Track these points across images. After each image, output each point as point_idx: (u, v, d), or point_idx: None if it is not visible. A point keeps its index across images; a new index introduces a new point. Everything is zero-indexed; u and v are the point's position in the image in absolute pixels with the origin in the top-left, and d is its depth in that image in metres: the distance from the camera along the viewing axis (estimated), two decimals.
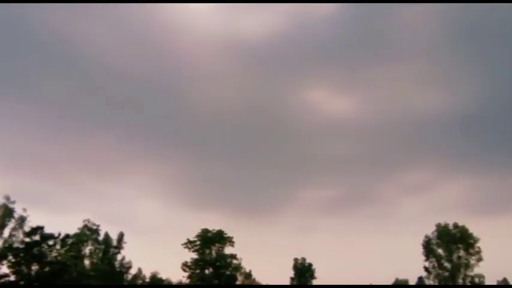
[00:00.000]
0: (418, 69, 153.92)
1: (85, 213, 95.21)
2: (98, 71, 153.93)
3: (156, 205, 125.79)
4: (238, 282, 69.89)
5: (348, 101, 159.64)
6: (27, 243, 52.62)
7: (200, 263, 65.79)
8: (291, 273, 79.20)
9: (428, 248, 67.98)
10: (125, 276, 68.75)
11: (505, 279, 78.79)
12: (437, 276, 66.52)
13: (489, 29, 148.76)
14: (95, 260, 65.16)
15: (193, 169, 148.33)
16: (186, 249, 66.40)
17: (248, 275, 76.47)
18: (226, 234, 67.12)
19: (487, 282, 67.74)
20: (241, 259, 67.38)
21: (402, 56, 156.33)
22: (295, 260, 79.63)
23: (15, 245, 53.29)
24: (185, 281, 66.61)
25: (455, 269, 65.50)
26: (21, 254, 51.60)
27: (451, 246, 66.46)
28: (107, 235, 67.37)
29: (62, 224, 66.71)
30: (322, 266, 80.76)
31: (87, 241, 65.56)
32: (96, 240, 66.44)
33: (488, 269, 66.86)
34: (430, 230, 69.11)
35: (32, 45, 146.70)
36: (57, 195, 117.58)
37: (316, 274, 78.64)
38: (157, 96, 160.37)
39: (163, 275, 78.48)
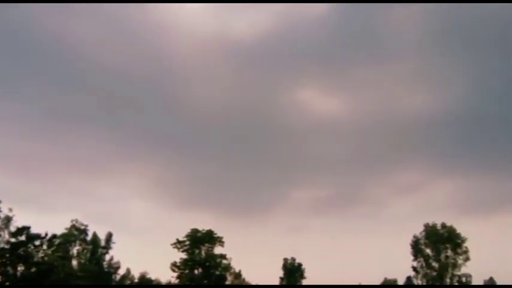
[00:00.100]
0: (408, 69, 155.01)
1: (73, 213, 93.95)
2: (90, 70, 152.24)
3: (145, 205, 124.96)
4: (227, 283, 69.78)
5: (338, 100, 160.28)
6: (12, 244, 51.77)
7: (189, 263, 65.46)
8: (281, 273, 79.44)
9: (416, 248, 68.59)
10: (113, 277, 68.28)
11: (491, 279, 79.86)
12: (425, 275, 67.17)
13: (480, 30, 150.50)
14: (82, 261, 64.65)
15: (183, 169, 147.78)
16: (176, 249, 66.14)
17: (238, 275, 76.43)
18: (216, 234, 66.87)
19: (474, 281, 68.60)
20: (231, 259, 67.33)
21: (393, 56, 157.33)
22: (285, 260, 79.77)
23: (1, 245, 52.37)
24: (174, 281, 66.23)
25: (443, 268, 66.17)
26: (7, 255, 50.81)
27: (439, 246, 67.12)
28: (95, 235, 66.87)
29: (49, 224, 65.89)
30: (312, 266, 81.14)
31: (75, 241, 65.07)
32: (84, 241, 65.94)
33: (475, 268, 67.77)
34: (418, 230, 69.88)
35: (23, 44, 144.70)
36: (45, 195, 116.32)
37: (306, 274, 79.07)
38: (149, 96, 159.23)
39: (152, 276, 78.23)
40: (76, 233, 65.16)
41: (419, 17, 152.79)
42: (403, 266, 70.55)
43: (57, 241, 56.85)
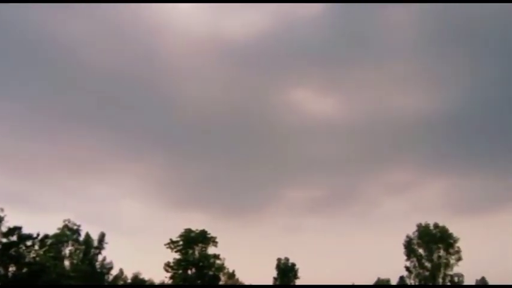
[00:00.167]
0: (402, 69, 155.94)
1: (65, 213, 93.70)
2: (81, 69, 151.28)
3: (138, 205, 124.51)
4: (221, 283, 69.67)
5: (331, 101, 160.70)
6: (4, 244, 51.26)
7: (183, 263, 65.23)
8: (275, 273, 79.48)
9: (409, 248, 68.92)
10: (106, 277, 67.83)
11: (483, 278, 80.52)
12: (417, 275, 67.52)
13: (474, 30, 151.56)
14: (75, 261, 64.19)
15: (177, 169, 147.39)
16: (169, 250, 65.87)
17: (231, 275, 76.37)
18: (209, 234, 66.73)
19: (466, 281, 69.02)
20: (224, 259, 67.22)
21: (387, 56, 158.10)
22: (279, 260, 79.83)
23: None
24: (167, 281, 65.97)
25: (436, 268, 66.58)
26: None
27: (431, 246, 67.52)
28: (87, 235, 66.40)
29: (41, 224, 65.37)
30: (305, 266, 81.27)
31: (67, 241, 64.56)
32: (76, 241, 65.47)
33: (467, 268, 68.26)
34: (411, 229, 70.24)
35: (14, 43, 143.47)
36: (37, 195, 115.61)
37: (300, 274, 79.18)
38: (141, 96, 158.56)
39: (145, 276, 77.90)
40: (68, 233, 64.68)
41: (414, 17, 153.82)
42: (396, 266, 71.00)
43: (49, 241, 56.51)
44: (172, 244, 65.76)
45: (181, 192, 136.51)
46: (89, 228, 67.37)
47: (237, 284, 77.14)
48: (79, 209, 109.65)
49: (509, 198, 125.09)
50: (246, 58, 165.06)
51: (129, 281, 74.75)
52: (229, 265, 71.00)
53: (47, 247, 55.22)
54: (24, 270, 51.14)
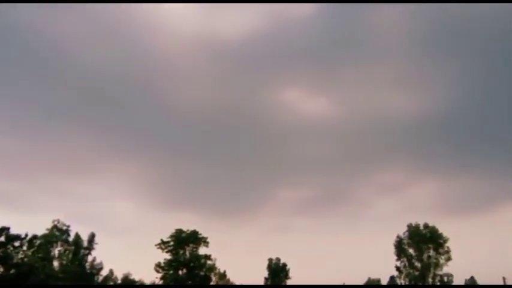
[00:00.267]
0: (394, 70, 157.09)
1: (55, 213, 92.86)
2: (72, 68, 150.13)
3: (129, 205, 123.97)
4: (212, 283, 69.39)
5: (324, 101, 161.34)
6: None
7: (174, 264, 64.93)
8: (266, 274, 79.43)
9: (400, 248, 69.28)
10: (95, 278, 67.16)
11: (472, 278, 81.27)
12: (408, 275, 67.89)
13: (463, 31, 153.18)
14: (64, 262, 63.41)
15: (168, 169, 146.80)
16: (160, 250, 65.53)
17: (222, 276, 76.15)
18: (200, 234, 66.57)
19: (456, 281, 69.69)
20: (215, 259, 67.04)
21: (379, 57, 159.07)
22: (270, 260, 79.85)
23: None
24: (158, 282, 65.55)
25: (426, 268, 67.01)
26: None
27: (421, 246, 67.94)
28: (77, 236, 65.63)
29: (30, 224, 64.74)
30: (297, 266, 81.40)
31: (56, 242, 63.75)
32: (66, 241, 64.68)
33: (456, 268, 68.84)
34: (402, 230, 70.62)
35: (2, 41, 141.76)
36: (25, 194, 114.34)
37: (291, 274, 79.25)
38: (133, 95, 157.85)
39: (136, 276, 77.27)
40: (58, 233, 63.91)
41: (405, 18, 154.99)
42: (386, 266, 71.38)
43: (37, 242, 55.89)
44: (163, 244, 65.45)
45: (172, 192, 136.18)
46: (79, 229, 66.75)
47: (228, 284, 76.95)
48: (69, 209, 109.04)
49: (499, 199, 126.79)
50: (239, 58, 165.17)
51: (119, 281, 74.08)
52: (221, 265, 70.98)
53: (35, 248, 54.63)
54: (12, 271, 50.53)
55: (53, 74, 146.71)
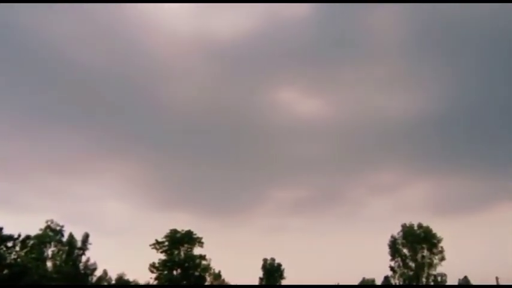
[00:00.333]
0: (389, 70, 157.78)
1: (48, 214, 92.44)
2: (66, 69, 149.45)
3: (123, 205, 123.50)
4: (207, 283, 69.26)
5: (318, 102, 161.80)
6: None
7: (168, 264, 64.70)
8: (261, 274, 79.47)
9: (394, 248, 69.55)
10: (89, 278, 66.85)
11: (465, 278, 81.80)
12: (402, 275, 68.18)
13: (459, 32, 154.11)
14: (58, 262, 63.05)
15: (163, 169, 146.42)
16: (154, 250, 65.27)
17: (217, 276, 76.06)
18: (195, 234, 66.37)
19: (449, 280, 70.08)
20: (210, 260, 66.90)
21: (374, 57, 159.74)
22: (264, 260, 79.91)
23: None
24: (153, 282, 65.30)
25: (419, 268, 67.34)
26: None
27: (415, 246, 68.26)
28: (71, 236, 65.31)
29: (23, 225, 64.31)
30: (291, 266, 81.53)
31: (50, 242, 63.36)
32: (59, 242, 64.31)
33: (450, 268, 69.27)
34: (396, 230, 70.92)
35: (1, 42, 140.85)
36: (19, 195, 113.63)
37: (285, 274, 79.35)
38: (126, 96, 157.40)
39: (130, 277, 76.99)
40: (51, 233, 63.53)
41: (399, 19, 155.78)
42: (381, 266, 71.71)
43: (31, 242, 55.47)
44: (157, 245, 65.20)
45: (167, 192, 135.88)
46: (73, 229, 66.42)
47: (223, 284, 76.88)
48: (62, 209, 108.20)
49: (493, 199, 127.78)
50: (234, 58, 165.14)
51: (113, 282, 73.76)
52: (215, 266, 70.92)
53: (28, 248, 54.25)
54: (5, 271, 50.13)
55: (47, 73, 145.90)
